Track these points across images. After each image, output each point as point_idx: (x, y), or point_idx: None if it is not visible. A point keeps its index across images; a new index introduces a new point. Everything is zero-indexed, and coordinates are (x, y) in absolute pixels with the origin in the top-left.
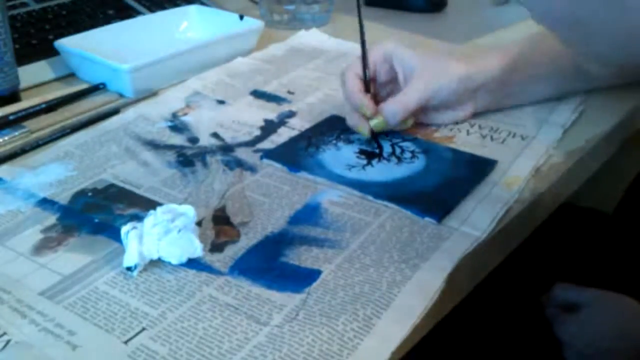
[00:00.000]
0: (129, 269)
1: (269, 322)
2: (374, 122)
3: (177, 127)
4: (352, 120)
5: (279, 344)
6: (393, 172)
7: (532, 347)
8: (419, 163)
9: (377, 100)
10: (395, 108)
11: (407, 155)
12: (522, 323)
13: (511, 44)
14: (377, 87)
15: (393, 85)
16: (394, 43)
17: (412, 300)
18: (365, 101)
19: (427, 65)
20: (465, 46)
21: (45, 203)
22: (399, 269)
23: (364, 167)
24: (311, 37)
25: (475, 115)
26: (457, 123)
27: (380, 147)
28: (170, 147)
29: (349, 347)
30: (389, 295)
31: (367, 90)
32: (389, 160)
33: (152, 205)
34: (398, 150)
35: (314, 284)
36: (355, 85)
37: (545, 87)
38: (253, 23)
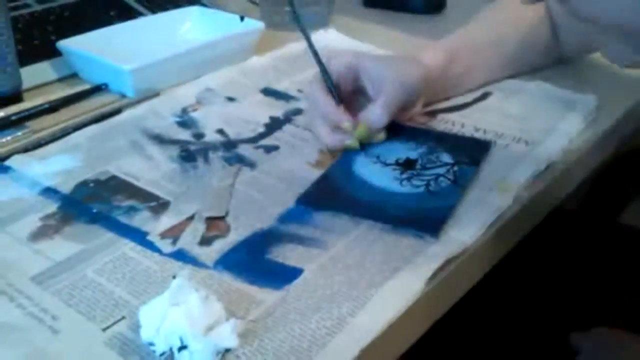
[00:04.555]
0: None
1: (245, 317)
2: (356, 133)
3: (185, 122)
4: (335, 141)
5: (250, 338)
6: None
7: (529, 346)
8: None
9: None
10: (380, 111)
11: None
12: (520, 324)
13: (449, 38)
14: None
15: (356, 94)
16: (354, 53)
17: (388, 300)
18: (346, 117)
19: (393, 69)
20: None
21: (48, 192)
22: (380, 271)
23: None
24: (328, 37)
25: (481, 120)
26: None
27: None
28: (175, 142)
29: (319, 344)
30: (365, 295)
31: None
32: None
33: (150, 197)
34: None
35: (295, 282)
36: (330, 104)
37: (484, 75)
38: (253, 24)
